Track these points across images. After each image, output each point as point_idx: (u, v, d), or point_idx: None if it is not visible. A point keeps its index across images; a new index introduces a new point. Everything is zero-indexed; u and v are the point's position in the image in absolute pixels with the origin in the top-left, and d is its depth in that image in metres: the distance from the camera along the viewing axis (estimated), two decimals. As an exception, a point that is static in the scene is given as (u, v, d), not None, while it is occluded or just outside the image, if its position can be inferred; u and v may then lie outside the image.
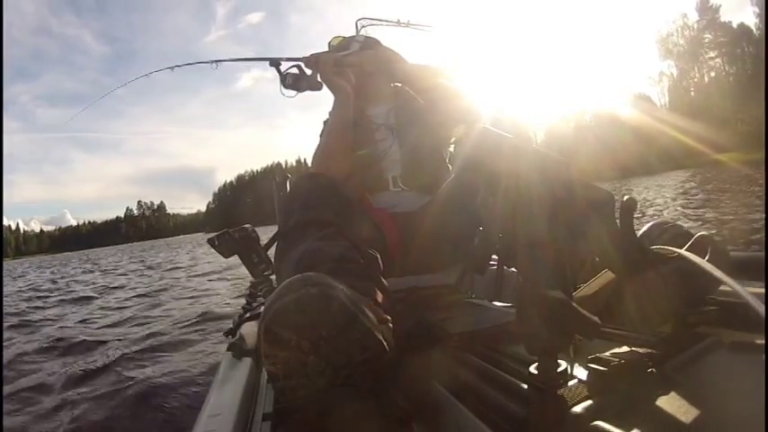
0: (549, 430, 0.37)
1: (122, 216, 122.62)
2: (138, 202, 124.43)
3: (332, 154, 0.98)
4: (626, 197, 0.48)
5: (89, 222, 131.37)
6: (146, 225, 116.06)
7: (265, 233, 1.12)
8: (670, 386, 0.40)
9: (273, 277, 1.26)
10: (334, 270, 0.57)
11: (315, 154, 1.02)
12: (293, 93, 1.07)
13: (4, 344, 2.82)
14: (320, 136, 1.11)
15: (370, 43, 1.16)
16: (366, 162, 1.02)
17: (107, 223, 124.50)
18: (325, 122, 1.18)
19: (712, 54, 33.25)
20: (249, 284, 1.36)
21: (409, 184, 1.01)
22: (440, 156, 1.07)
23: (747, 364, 0.44)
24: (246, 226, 1.19)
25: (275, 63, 1.07)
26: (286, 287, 0.44)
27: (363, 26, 1.23)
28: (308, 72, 1.06)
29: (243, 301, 1.40)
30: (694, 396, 0.39)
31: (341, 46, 1.14)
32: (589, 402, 0.37)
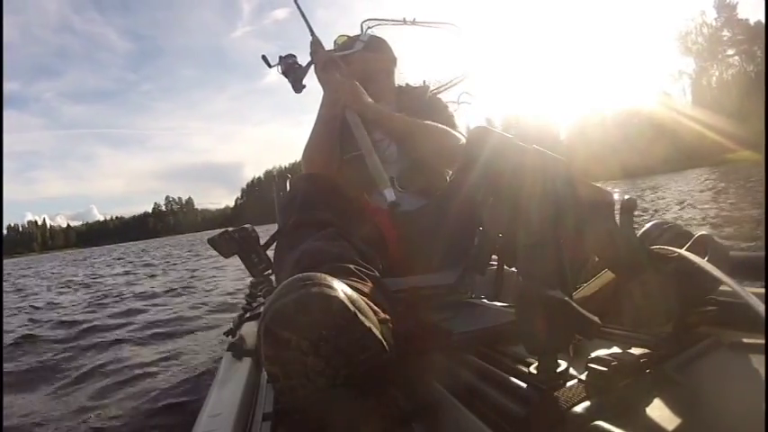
0: (548, 430, 0.37)
1: (150, 211, 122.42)
2: (166, 197, 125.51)
3: (315, 151, 0.99)
4: (626, 197, 0.48)
5: (116, 217, 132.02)
6: (173, 220, 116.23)
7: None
8: (670, 386, 0.40)
9: (273, 277, 1.26)
10: (333, 270, 0.57)
11: (303, 151, 1.02)
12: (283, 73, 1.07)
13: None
14: None
15: (376, 42, 1.16)
16: (362, 162, 1.01)
17: (135, 218, 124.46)
18: None
19: (730, 52, 33.10)
20: (249, 284, 1.37)
21: (406, 187, 1.01)
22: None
23: (747, 364, 0.44)
24: (246, 226, 1.20)
25: (264, 58, 1.07)
26: (286, 287, 0.44)
27: (369, 27, 1.23)
28: (303, 64, 1.06)
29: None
30: (694, 396, 0.39)
31: (345, 45, 1.14)
32: (589, 402, 0.37)
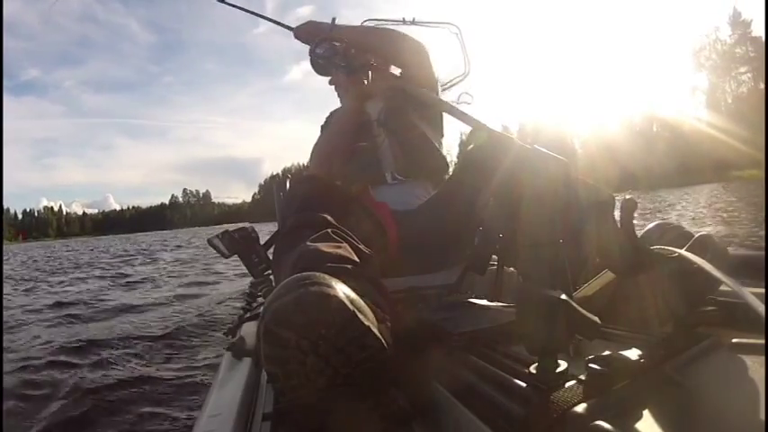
0: (548, 430, 0.37)
1: (167, 203, 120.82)
2: (184, 189, 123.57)
3: (333, 152, 1.00)
4: (626, 197, 0.48)
5: (133, 207, 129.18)
6: (190, 213, 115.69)
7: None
8: (670, 386, 0.40)
9: (273, 277, 1.26)
10: (331, 270, 0.57)
11: (316, 151, 1.03)
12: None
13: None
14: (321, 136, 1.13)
15: None
16: (366, 156, 1.04)
17: (152, 209, 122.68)
18: (322, 127, 1.20)
19: (743, 69, 32.98)
20: (249, 284, 1.36)
21: (405, 175, 1.03)
22: (429, 142, 1.08)
23: (747, 365, 0.44)
24: (246, 226, 1.20)
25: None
26: (285, 287, 0.44)
27: None
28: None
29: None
30: (694, 396, 0.39)
31: None
32: (589, 402, 0.37)
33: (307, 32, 1.03)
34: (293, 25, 1.11)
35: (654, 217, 6.76)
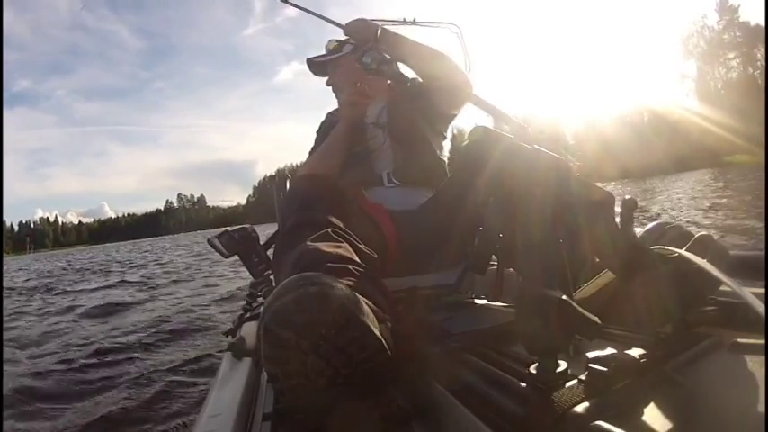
0: (548, 430, 0.37)
1: (162, 209, 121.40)
2: (179, 194, 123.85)
3: (332, 156, 1.00)
4: (626, 197, 0.48)
5: (128, 215, 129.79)
6: (185, 217, 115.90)
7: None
8: (670, 386, 0.40)
9: (273, 277, 1.26)
10: (332, 270, 0.57)
11: (315, 154, 1.03)
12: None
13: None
14: (315, 142, 1.13)
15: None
16: (358, 160, 1.03)
17: (147, 215, 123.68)
18: (319, 130, 1.20)
19: (731, 55, 33.09)
20: (249, 284, 1.36)
21: (403, 180, 1.02)
22: (431, 148, 1.07)
23: (747, 365, 0.44)
24: (246, 226, 1.20)
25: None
26: (285, 287, 0.44)
27: None
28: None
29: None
30: (694, 396, 0.39)
31: (335, 49, 1.15)
32: (589, 402, 0.37)
33: (357, 29, 1.05)
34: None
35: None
